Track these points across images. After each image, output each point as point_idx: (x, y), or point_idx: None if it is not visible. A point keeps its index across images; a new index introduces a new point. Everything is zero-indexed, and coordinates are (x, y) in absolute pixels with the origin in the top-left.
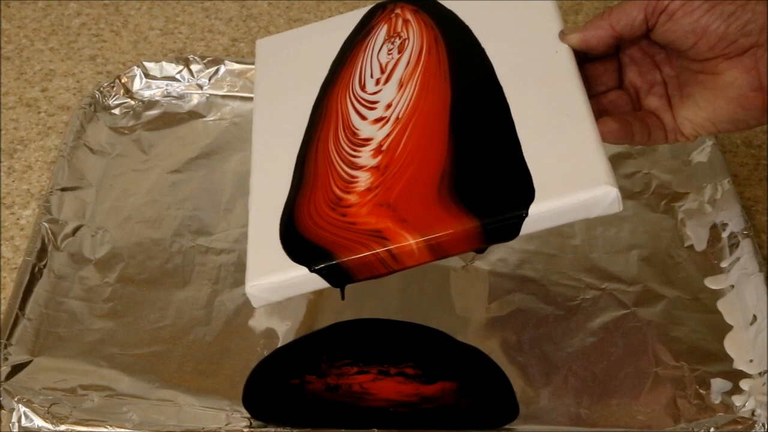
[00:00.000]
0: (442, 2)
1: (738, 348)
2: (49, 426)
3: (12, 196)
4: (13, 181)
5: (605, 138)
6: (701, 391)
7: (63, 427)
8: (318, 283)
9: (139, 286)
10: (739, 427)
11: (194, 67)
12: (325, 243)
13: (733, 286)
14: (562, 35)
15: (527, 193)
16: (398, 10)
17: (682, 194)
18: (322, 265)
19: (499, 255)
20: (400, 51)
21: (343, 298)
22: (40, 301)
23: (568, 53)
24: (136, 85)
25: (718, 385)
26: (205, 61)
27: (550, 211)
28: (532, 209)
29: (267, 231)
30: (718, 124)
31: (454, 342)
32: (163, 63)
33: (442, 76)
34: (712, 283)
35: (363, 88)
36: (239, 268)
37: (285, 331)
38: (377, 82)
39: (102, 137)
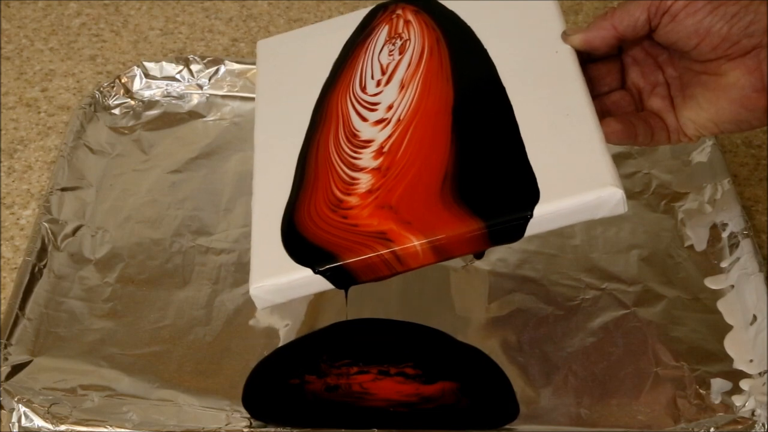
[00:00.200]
0: (444, 3)
1: (738, 348)
2: (49, 426)
3: (12, 196)
4: (13, 181)
5: (609, 139)
6: (701, 391)
7: (63, 427)
8: (322, 284)
9: (139, 286)
10: (739, 427)
11: (194, 67)
12: (327, 245)
13: (733, 286)
14: (565, 36)
15: (532, 194)
16: (399, 11)
17: (682, 194)
18: (327, 267)
19: (499, 255)
20: (401, 52)
21: (346, 301)
22: (40, 301)
23: (570, 53)
24: (136, 85)
25: (718, 385)
26: (205, 61)
27: (555, 213)
28: (537, 210)
29: (270, 232)
30: (721, 125)
31: (454, 342)
32: (163, 63)
33: (444, 77)
34: (712, 283)
35: (363, 89)
36: (239, 268)
37: (285, 331)
38: (378, 84)
39: (102, 137)
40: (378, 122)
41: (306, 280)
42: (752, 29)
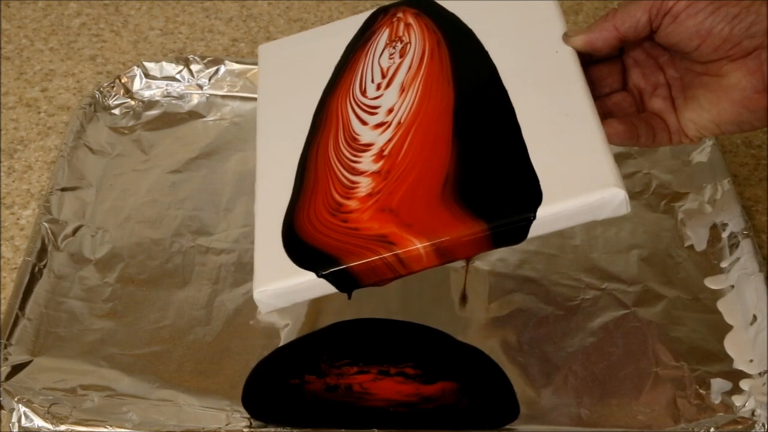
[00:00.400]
0: (444, 5)
1: (738, 348)
2: (49, 426)
3: (12, 196)
4: (13, 181)
5: (611, 140)
6: (701, 391)
7: (63, 427)
8: (325, 288)
9: (139, 286)
10: (739, 427)
11: (194, 67)
12: (328, 248)
13: (733, 286)
14: (566, 37)
15: (535, 196)
16: (400, 14)
17: (682, 194)
18: (330, 271)
19: (499, 255)
20: (402, 55)
21: (349, 297)
22: (40, 301)
23: (571, 55)
24: (136, 85)
25: (718, 385)
26: (205, 61)
27: (558, 214)
28: (540, 212)
29: (272, 236)
30: (723, 126)
31: (455, 342)
32: (163, 63)
33: (444, 79)
34: (712, 283)
35: (363, 93)
36: (239, 268)
37: (285, 331)
38: (378, 87)
39: (102, 137)
40: (378, 126)
41: (310, 284)
42: (753, 30)
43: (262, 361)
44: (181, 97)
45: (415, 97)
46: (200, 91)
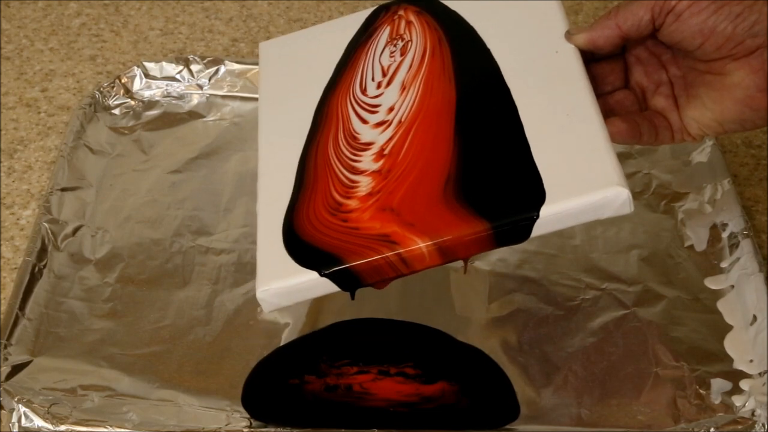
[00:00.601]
0: (447, 3)
1: (738, 348)
2: (49, 426)
3: (12, 196)
4: (13, 181)
5: (614, 138)
6: (701, 391)
7: (63, 427)
8: (328, 287)
9: (139, 286)
10: (739, 427)
11: (194, 67)
12: (330, 248)
13: (733, 286)
14: (569, 35)
15: (538, 195)
16: (401, 12)
17: (682, 194)
18: (333, 270)
19: (499, 255)
20: (403, 53)
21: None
22: (40, 301)
23: (574, 53)
24: (136, 85)
25: (718, 385)
26: (205, 62)
27: (561, 213)
28: (543, 211)
29: (274, 235)
30: (725, 124)
31: (455, 342)
32: (163, 63)
33: (446, 77)
34: (712, 283)
35: (364, 91)
36: (239, 268)
37: (285, 331)
38: (378, 86)
39: (102, 137)
40: (378, 124)
41: (312, 283)
42: (756, 29)
43: (262, 361)
44: (181, 97)
45: (416, 96)
46: (200, 91)
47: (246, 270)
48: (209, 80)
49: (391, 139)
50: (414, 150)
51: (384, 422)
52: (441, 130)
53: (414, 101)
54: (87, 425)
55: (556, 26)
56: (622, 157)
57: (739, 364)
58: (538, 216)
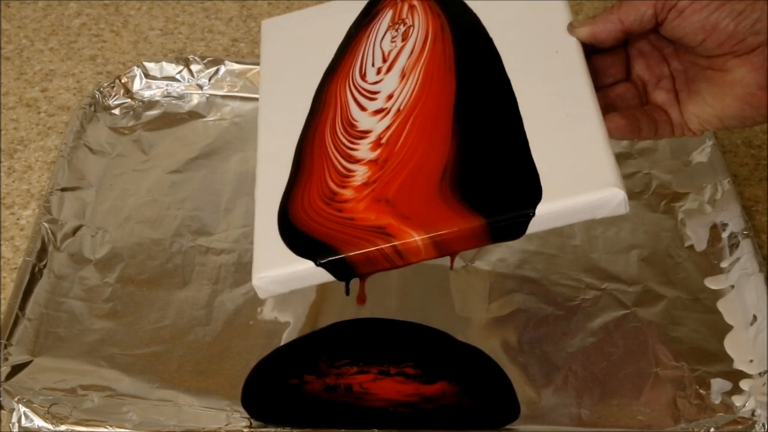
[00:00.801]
0: None
1: (738, 348)
2: (49, 426)
3: (12, 196)
4: (13, 181)
5: (612, 134)
6: (701, 391)
7: (63, 427)
8: (323, 276)
9: (139, 286)
10: (739, 427)
11: (194, 67)
12: (325, 238)
13: (733, 286)
14: (571, 28)
15: (535, 192)
16: None
17: (682, 194)
18: (329, 260)
19: (499, 255)
20: (404, 39)
21: (347, 293)
22: (40, 301)
23: (577, 48)
24: (136, 85)
25: (718, 385)
26: (205, 62)
27: (557, 212)
28: (540, 209)
29: (270, 222)
30: (725, 120)
31: (455, 342)
32: (163, 63)
33: (447, 66)
34: (712, 283)
35: (363, 77)
36: (239, 268)
37: (285, 331)
38: (378, 71)
39: (102, 137)
40: (377, 112)
41: (308, 272)
42: (758, 27)
43: (261, 361)
44: (181, 97)
45: (415, 84)
46: (200, 91)
47: (246, 270)
48: (209, 80)
49: (388, 128)
50: (411, 140)
51: (384, 422)
52: (439, 121)
53: (413, 90)
54: (87, 425)
55: (561, 22)
56: (622, 157)
57: (739, 364)
58: (534, 213)
